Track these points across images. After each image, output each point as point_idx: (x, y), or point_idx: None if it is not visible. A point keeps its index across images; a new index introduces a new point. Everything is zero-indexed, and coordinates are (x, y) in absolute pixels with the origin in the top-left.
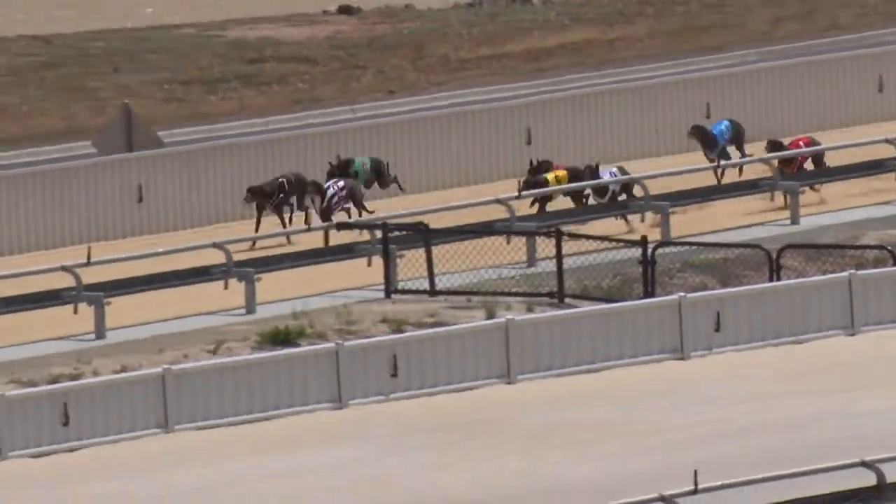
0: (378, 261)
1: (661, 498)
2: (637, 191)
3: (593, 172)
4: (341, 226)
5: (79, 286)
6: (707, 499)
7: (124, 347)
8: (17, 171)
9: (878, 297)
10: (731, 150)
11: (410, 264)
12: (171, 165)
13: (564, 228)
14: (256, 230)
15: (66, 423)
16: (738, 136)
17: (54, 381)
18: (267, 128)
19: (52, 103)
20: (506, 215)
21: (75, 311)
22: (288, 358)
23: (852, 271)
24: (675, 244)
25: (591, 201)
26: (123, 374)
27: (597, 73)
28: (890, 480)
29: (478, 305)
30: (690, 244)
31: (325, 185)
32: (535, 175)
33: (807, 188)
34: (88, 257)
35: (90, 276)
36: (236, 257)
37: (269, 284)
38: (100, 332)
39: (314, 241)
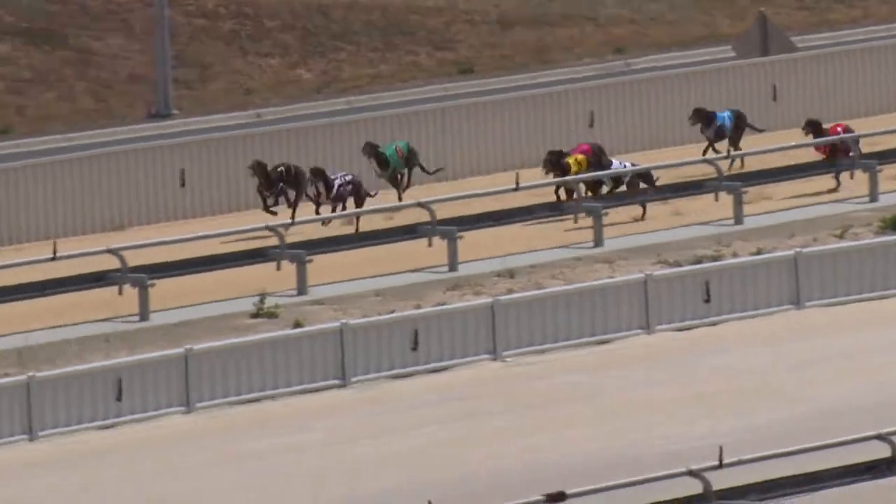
0: None
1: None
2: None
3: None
4: None
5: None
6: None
7: (759, 232)
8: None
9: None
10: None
11: None
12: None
13: None
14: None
15: (707, 301)
16: (737, 126)
17: (697, 261)
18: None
19: (695, 12)
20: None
21: (716, 199)
22: None
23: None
24: None
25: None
26: (758, 256)
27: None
28: None
29: None
30: None
31: (333, 177)
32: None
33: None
34: None
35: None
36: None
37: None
38: (738, 218)
39: None
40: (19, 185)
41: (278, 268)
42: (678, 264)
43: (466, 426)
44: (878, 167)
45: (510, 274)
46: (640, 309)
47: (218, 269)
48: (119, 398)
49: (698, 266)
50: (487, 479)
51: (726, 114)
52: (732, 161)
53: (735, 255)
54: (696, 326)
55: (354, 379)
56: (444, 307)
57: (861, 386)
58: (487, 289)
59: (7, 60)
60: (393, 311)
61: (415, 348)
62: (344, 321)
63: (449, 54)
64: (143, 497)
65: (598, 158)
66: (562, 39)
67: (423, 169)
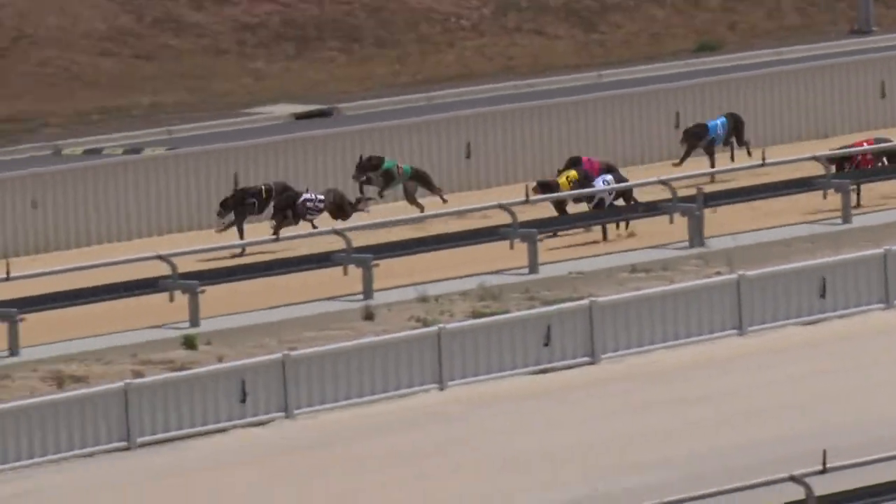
0: None
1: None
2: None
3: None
4: None
5: None
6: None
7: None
8: None
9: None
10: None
11: None
12: None
13: None
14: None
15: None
16: (735, 129)
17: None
18: None
19: None
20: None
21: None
22: None
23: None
24: None
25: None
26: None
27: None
28: None
29: None
30: None
31: (307, 196)
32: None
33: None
34: None
35: None
36: None
37: None
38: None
39: None
40: None
41: None
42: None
43: (856, 375)
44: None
45: None
46: None
47: None
48: (822, 295)
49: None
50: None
51: (718, 121)
52: (749, 152)
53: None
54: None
55: None
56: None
57: None
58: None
59: None
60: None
61: (822, 295)
62: None
63: None
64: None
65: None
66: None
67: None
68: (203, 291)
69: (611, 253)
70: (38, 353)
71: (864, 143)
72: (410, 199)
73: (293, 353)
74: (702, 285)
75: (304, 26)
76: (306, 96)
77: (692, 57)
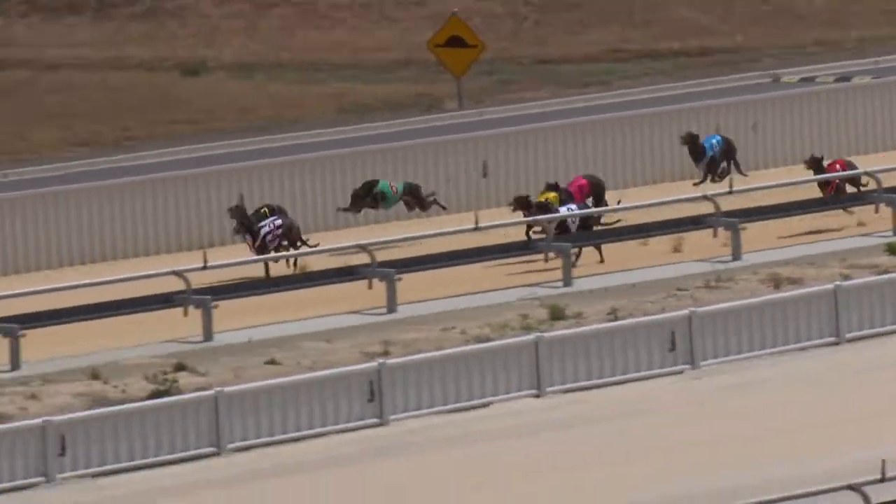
0: None
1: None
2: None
3: None
4: None
5: None
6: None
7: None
8: None
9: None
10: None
11: None
12: None
13: None
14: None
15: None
16: (729, 151)
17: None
18: None
19: None
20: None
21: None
22: None
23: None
24: None
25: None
26: None
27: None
28: None
29: None
30: None
31: (261, 224)
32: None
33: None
34: None
35: None
36: None
37: None
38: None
39: None
40: None
41: None
42: None
43: None
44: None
45: None
46: None
47: None
48: None
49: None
50: None
51: (714, 140)
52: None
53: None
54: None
55: None
56: None
57: None
58: None
59: None
60: None
61: None
62: None
63: None
64: None
65: (569, 195)
66: None
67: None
68: None
69: None
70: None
71: (838, 165)
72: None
73: None
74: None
75: None
76: None
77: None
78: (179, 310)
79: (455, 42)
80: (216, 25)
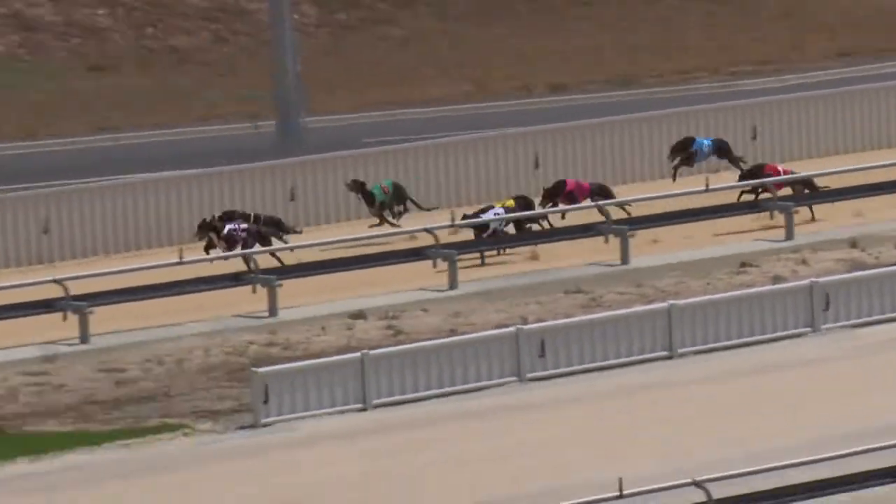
0: None
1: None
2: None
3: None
4: None
5: None
6: None
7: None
8: None
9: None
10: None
11: None
12: None
13: None
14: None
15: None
16: (721, 150)
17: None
18: None
19: None
20: None
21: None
22: None
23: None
24: None
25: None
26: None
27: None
28: None
29: None
30: None
31: (230, 227)
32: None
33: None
34: None
35: None
36: None
37: None
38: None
39: None
40: None
41: None
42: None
43: None
44: None
45: None
46: None
47: None
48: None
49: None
50: None
51: (705, 142)
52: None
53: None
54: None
55: None
56: None
57: None
58: None
59: None
60: None
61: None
62: None
63: None
64: None
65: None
66: None
67: (415, 204)
68: None
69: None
70: None
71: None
72: (391, 213)
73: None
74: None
75: None
76: None
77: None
78: None
79: None
80: None
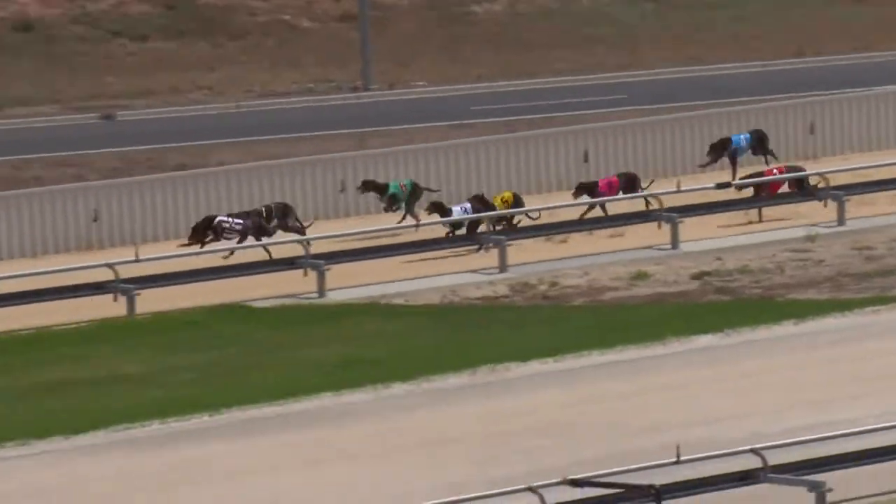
0: None
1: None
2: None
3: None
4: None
5: None
6: None
7: None
8: None
9: None
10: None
11: None
12: None
13: None
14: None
15: None
16: (760, 142)
17: None
18: None
19: None
20: None
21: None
22: None
23: None
24: None
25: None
26: None
27: None
28: None
29: None
30: None
31: (220, 219)
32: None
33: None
34: None
35: None
36: None
37: None
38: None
39: None
40: None
41: None
42: None
43: None
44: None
45: None
46: None
47: None
48: None
49: None
50: None
51: (742, 136)
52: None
53: None
54: None
55: None
56: None
57: None
58: None
59: None
60: None
61: None
62: None
63: None
64: None
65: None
66: None
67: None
68: None
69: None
70: None
71: (775, 171)
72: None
73: None
74: None
75: None
76: None
77: None
78: None
79: None
80: None
